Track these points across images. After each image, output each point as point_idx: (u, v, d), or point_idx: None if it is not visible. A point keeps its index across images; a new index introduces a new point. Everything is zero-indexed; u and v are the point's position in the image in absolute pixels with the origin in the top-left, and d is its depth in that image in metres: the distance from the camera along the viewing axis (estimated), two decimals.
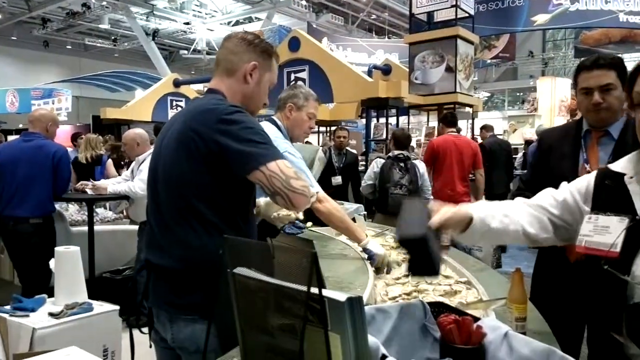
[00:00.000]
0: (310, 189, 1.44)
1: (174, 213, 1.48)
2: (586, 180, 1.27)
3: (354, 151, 7.55)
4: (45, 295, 2.66)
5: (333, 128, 10.67)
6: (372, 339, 0.94)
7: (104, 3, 15.84)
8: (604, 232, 1.11)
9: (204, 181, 1.43)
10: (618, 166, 1.17)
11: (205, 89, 1.72)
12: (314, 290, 0.86)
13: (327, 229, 2.89)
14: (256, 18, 17.76)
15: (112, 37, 19.55)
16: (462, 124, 10.71)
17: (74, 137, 7.48)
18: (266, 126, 2.36)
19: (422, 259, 1.25)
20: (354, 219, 3.05)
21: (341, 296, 0.85)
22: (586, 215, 1.19)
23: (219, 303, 1.34)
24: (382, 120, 8.10)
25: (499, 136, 9.06)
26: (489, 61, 16.48)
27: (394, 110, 8.24)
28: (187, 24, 17.82)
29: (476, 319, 1.12)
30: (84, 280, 2.72)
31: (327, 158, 5.58)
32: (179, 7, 16.70)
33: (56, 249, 2.71)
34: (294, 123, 2.44)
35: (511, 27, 12.60)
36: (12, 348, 2.29)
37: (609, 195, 1.16)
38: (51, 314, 2.43)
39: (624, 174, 1.15)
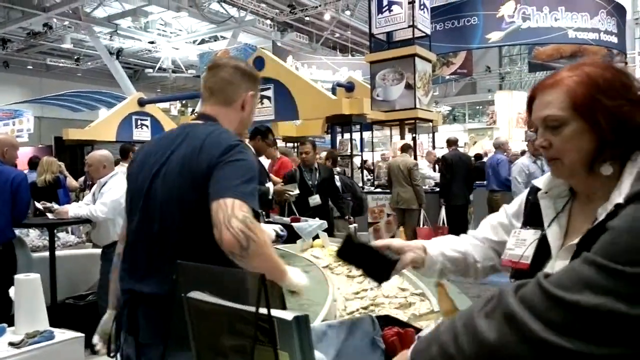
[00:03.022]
0: (252, 243, 1.32)
1: (168, 238, 1.47)
2: (520, 198, 1.26)
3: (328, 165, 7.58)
4: (5, 325, 2.62)
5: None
6: (318, 355, 1.00)
7: (66, 23, 15.63)
8: (522, 245, 1.13)
9: (206, 209, 1.41)
10: (540, 181, 1.17)
11: (195, 114, 1.79)
12: (263, 310, 0.93)
13: (291, 246, 2.97)
14: (221, 37, 17.82)
15: (75, 57, 19.25)
16: (423, 137, 11.03)
17: (31, 162, 7.30)
18: None
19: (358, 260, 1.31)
20: (317, 236, 3.15)
21: (288, 315, 0.90)
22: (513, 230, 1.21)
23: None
24: (347, 135, 8.27)
25: (460, 149, 9.36)
26: (447, 77, 16.96)
27: (359, 126, 8.43)
28: (152, 42, 17.74)
29: (418, 331, 1.19)
30: (45, 308, 2.70)
31: (297, 178, 5.06)
32: (143, 27, 16.63)
33: (16, 277, 2.69)
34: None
35: (467, 45, 13.06)
36: None
37: (531, 210, 1.17)
38: (11, 344, 2.41)
39: (539, 189, 1.15)
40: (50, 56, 19.37)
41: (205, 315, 1.04)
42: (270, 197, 3.77)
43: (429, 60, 9.13)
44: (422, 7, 9.06)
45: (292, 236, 3.03)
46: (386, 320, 1.26)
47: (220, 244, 1.32)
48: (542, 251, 1.08)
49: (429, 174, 8.46)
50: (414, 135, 9.21)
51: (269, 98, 8.25)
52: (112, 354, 1.58)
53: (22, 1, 13.89)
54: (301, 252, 2.91)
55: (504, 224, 1.29)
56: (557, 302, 0.59)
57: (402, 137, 9.06)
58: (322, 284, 2.12)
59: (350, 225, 3.41)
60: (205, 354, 1.06)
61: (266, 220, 3.04)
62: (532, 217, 1.16)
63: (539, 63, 15.82)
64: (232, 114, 1.66)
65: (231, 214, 1.32)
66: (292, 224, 3.14)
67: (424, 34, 9.19)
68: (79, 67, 19.79)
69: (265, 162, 5.28)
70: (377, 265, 1.29)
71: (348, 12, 17.58)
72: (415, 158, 9.08)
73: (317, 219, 3.51)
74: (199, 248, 1.43)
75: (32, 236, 4.47)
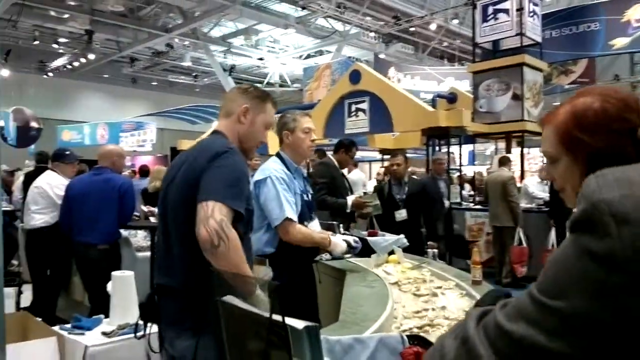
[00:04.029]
0: (222, 243, 1.49)
1: (177, 236, 1.68)
2: None
3: (418, 178, 7.43)
4: (102, 316, 2.90)
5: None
6: None
7: (186, 42, 17.03)
8: None
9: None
10: None
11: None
12: (278, 318, 0.96)
13: (364, 260, 2.95)
14: (326, 51, 18.25)
15: (193, 74, 20.87)
16: (534, 152, 10.36)
17: (141, 170, 8.08)
18: (271, 162, 2.55)
19: None
20: (392, 252, 3.10)
21: (300, 324, 0.94)
22: None
23: (216, 318, 1.50)
24: (445, 148, 8.00)
25: None
26: (566, 86, 15.73)
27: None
28: (261, 59, 18.66)
29: None
30: (137, 302, 2.94)
31: (386, 191, 5.12)
32: (254, 44, 17.57)
33: (113, 273, 2.96)
34: (294, 145, 2.61)
35: (587, 52, 12.03)
36: None
37: None
38: (104, 333, 2.66)
39: None
40: (171, 73, 21.18)
41: (234, 318, 1.10)
42: (348, 210, 3.77)
43: (539, 70, 8.59)
44: (531, 13, 8.56)
45: (370, 250, 3.02)
46: (417, 340, 1.24)
47: (198, 239, 1.51)
48: None
49: (536, 193, 7.82)
50: (522, 149, 8.69)
51: (363, 110, 8.27)
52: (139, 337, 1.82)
53: (147, 23, 15.38)
54: (375, 267, 2.88)
55: None
56: (501, 331, 0.61)
57: (508, 151, 8.59)
58: (383, 300, 2.10)
59: (429, 250, 3.27)
60: (233, 353, 1.13)
61: (342, 232, 3.04)
62: None
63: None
64: (230, 125, 1.87)
65: (210, 214, 1.51)
66: (368, 237, 3.10)
67: (534, 42, 8.67)
68: (196, 83, 21.42)
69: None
70: None
71: (456, 21, 17.08)
72: (523, 174, 8.56)
73: (401, 235, 3.41)
74: (189, 247, 1.58)
75: (139, 237, 4.89)
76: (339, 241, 2.54)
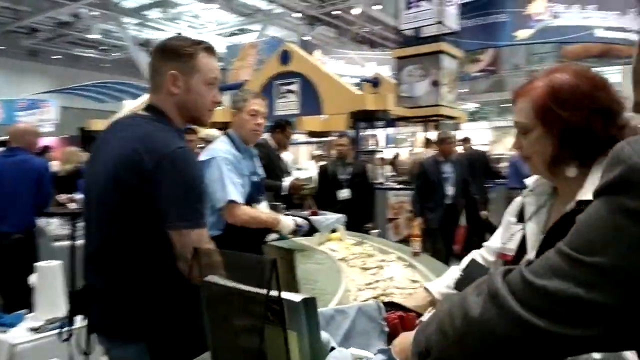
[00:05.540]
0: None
1: (107, 236, 1.47)
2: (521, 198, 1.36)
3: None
4: (24, 311, 2.67)
5: (330, 138, 10.68)
6: (324, 335, 1.04)
7: (95, 13, 15.84)
8: (511, 238, 1.25)
9: (133, 212, 1.42)
10: (530, 180, 1.28)
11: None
12: (274, 293, 0.94)
13: (309, 239, 2.97)
14: (249, 30, 17.84)
15: (101, 48, 19.52)
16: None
17: (43, 151, 7.45)
18: (219, 141, 2.47)
19: None
20: (334, 230, 3.15)
21: (297, 297, 0.95)
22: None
23: (152, 324, 1.42)
24: (370, 131, 8.19)
25: (483, 146, 9.19)
26: (472, 74, 16.66)
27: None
28: (178, 34, 17.83)
29: (420, 315, 1.31)
30: (65, 294, 2.73)
31: (331, 172, 5.16)
32: (172, 18, 16.75)
33: (37, 264, 2.73)
34: (238, 125, 2.57)
35: (494, 42, 12.82)
36: None
37: (521, 208, 1.29)
38: (32, 329, 2.45)
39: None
40: (77, 46, 19.62)
41: (219, 297, 1.07)
42: (283, 192, 3.76)
43: (455, 57, 8.99)
44: (450, 2, 8.89)
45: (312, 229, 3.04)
46: (392, 306, 1.32)
47: (184, 272, 1.37)
48: (524, 244, 1.21)
49: None
50: (439, 132, 9.09)
51: (294, 92, 8.23)
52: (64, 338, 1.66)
53: None
54: (319, 245, 2.93)
55: (508, 226, 1.37)
56: (530, 286, 0.68)
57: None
58: (335, 275, 2.17)
59: (373, 231, 3.45)
60: (218, 334, 1.10)
61: (286, 213, 3.03)
62: (521, 213, 1.28)
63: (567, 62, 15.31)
64: (165, 100, 1.54)
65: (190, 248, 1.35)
66: (310, 217, 3.13)
67: (450, 31, 9.03)
68: (106, 57, 20.06)
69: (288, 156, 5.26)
70: None
71: (378, 7, 17.34)
72: None
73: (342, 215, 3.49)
74: (121, 249, 1.45)
75: (54, 225, 4.54)
76: (287, 221, 2.53)
